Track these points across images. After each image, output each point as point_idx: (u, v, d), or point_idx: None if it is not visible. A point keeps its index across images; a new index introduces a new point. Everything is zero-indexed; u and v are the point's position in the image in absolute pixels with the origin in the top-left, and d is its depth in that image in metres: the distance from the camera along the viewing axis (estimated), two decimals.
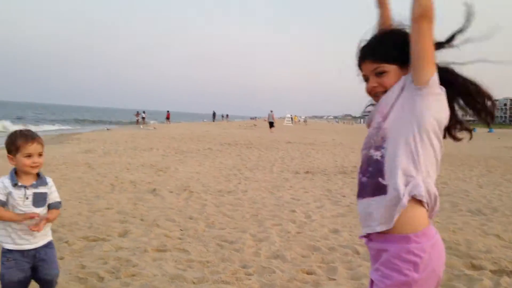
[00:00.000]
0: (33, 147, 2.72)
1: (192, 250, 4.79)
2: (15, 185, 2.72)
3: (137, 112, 50.78)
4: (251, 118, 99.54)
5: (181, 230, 5.63)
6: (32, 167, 2.73)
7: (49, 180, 2.90)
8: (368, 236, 1.91)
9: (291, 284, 3.93)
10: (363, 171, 1.91)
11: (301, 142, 23.82)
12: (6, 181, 2.73)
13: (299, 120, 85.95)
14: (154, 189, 8.32)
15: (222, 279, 3.94)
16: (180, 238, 5.27)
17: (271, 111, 40.76)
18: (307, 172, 11.83)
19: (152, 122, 57.09)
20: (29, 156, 2.70)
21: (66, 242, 4.87)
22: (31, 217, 2.70)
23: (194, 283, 3.86)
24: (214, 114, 75.27)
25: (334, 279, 4.11)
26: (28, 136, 2.74)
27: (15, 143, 2.71)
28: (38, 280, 2.90)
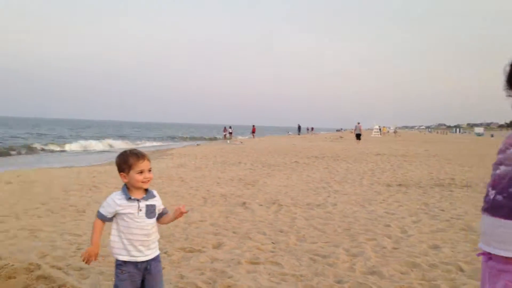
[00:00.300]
0: (144, 164, 2.92)
1: (285, 264, 4.79)
2: (128, 199, 2.92)
3: (224, 127, 52.47)
4: (337, 130, 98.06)
5: (272, 243, 5.66)
6: (143, 182, 2.92)
7: (155, 193, 3.08)
8: (489, 254, 1.77)
9: None
10: (501, 189, 1.76)
11: (392, 154, 22.97)
12: (117, 197, 2.93)
13: (388, 131, 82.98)
14: (244, 203, 8.49)
15: None
16: (272, 251, 5.30)
17: (358, 123, 39.96)
18: (400, 185, 11.35)
19: (239, 137, 58.61)
20: (141, 172, 2.90)
21: (165, 252, 5.12)
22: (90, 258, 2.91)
23: None
24: (299, 127, 75.33)
25: None
26: (139, 154, 2.94)
27: (127, 161, 2.91)
28: None
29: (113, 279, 4.23)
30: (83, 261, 2.87)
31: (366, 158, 19.91)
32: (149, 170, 2.94)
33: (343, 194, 9.83)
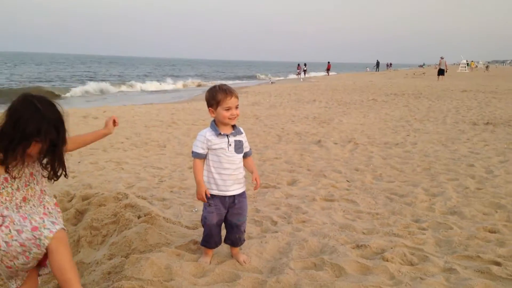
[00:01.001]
0: (231, 101, 2.92)
1: (360, 202, 4.73)
2: (218, 134, 2.98)
3: (298, 64, 51.27)
4: (419, 66, 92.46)
5: (348, 181, 5.59)
6: (230, 118, 2.95)
7: (242, 130, 3.11)
8: None
9: (471, 241, 3.60)
10: None
11: (479, 90, 21.35)
12: (207, 133, 3.00)
13: (476, 66, 76.87)
14: (319, 141, 8.40)
15: (393, 231, 3.81)
16: (347, 189, 5.24)
17: (442, 58, 37.27)
18: (487, 123, 10.59)
19: (312, 74, 57.34)
20: (228, 109, 2.92)
21: None
22: (202, 199, 2.97)
23: (364, 233, 3.82)
24: (377, 63, 71.97)
25: None
26: (227, 91, 2.94)
27: (215, 97, 2.93)
28: (228, 224, 3.19)
29: (193, 210, 4.45)
30: (199, 199, 3.01)
31: (450, 95, 18.70)
32: (236, 107, 2.94)
33: (424, 132, 9.39)
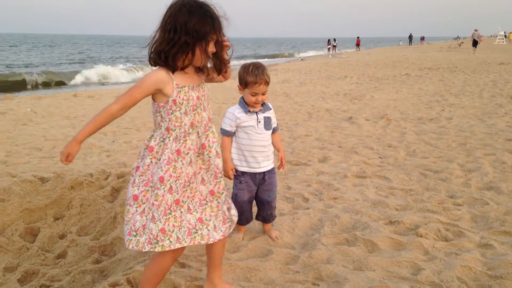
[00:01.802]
0: (259, 88, 2.90)
1: (393, 178, 4.67)
2: (247, 112, 2.99)
3: (328, 40, 50.26)
4: (454, 39, 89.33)
5: (380, 157, 5.52)
6: (255, 103, 2.95)
7: (271, 106, 3.10)
8: None
9: (508, 217, 3.52)
10: None
11: None
12: (236, 110, 3.01)
13: None
14: (350, 117, 8.29)
15: (427, 207, 3.75)
16: (379, 166, 5.18)
17: (476, 30, 36.13)
18: None
19: (343, 50, 56.22)
20: (254, 94, 2.92)
21: None
22: (229, 175, 2.97)
23: (397, 209, 3.78)
24: (410, 37, 69.85)
25: None
26: (258, 77, 2.88)
27: (245, 79, 2.91)
28: (259, 201, 3.22)
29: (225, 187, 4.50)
30: (225, 177, 3.02)
31: (487, 69, 18.02)
32: (264, 93, 2.93)
33: (459, 107, 9.11)
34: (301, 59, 38.00)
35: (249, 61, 3.10)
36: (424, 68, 19.23)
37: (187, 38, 2.03)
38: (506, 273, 2.63)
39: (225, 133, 3.01)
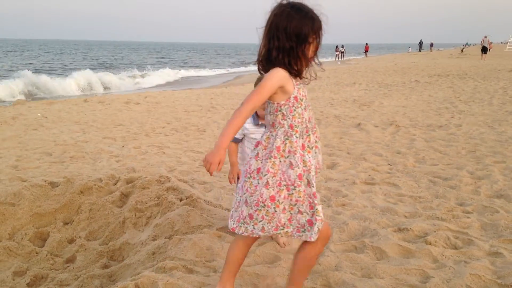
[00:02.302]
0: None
1: (402, 185, 4.65)
2: (256, 124, 3.05)
3: (337, 46, 50.20)
4: (463, 46, 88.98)
5: (389, 164, 5.50)
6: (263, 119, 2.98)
7: None
8: None
9: None
10: None
11: None
12: (246, 124, 3.03)
13: None
14: (359, 124, 8.28)
15: (436, 215, 3.72)
16: (388, 173, 5.16)
17: (485, 37, 35.92)
18: None
19: (352, 57, 56.10)
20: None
21: None
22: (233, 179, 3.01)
23: (406, 217, 3.76)
24: (421, 43, 69.55)
25: None
26: None
27: None
28: None
29: (234, 194, 4.51)
30: (231, 182, 3.08)
31: (497, 75, 17.89)
32: None
33: (469, 114, 9.06)
34: None
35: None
36: (433, 75, 19.15)
37: (291, 43, 2.08)
38: None
39: (233, 139, 3.03)
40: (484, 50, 34.74)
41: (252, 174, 2.20)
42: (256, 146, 2.25)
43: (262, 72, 2.19)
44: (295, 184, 2.15)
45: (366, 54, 54.55)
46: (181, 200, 3.94)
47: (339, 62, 40.74)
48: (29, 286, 3.09)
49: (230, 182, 3.05)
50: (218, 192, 4.57)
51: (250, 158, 2.25)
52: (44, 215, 4.00)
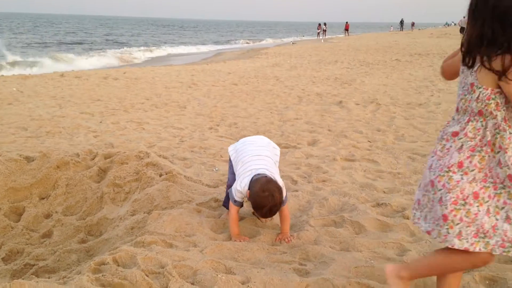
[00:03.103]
0: (265, 219, 3.10)
1: (382, 161, 4.69)
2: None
3: (319, 24, 49.67)
4: (445, 25, 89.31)
5: (369, 141, 5.53)
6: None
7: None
8: None
9: None
10: None
11: None
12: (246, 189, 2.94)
13: None
14: (340, 101, 8.29)
15: (414, 190, 3.75)
16: (368, 149, 5.19)
17: (464, 17, 36.25)
18: None
19: (334, 36, 55.68)
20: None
21: None
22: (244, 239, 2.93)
23: (384, 192, 3.80)
24: (402, 22, 69.44)
25: None
26: (267, 214, 2.89)
27: (256, 208, 2.87)
28: None
29: (214, 170, 4.49)
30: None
31: None
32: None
33: (448, 93, 9.15)
34: (292, 43, 37.80)
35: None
36: (414, 54, 19.26)
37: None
38: None
39: (236, 203, 2.98)
40: (462, 30, 35.30)
41: (452, 168, 1.87)
42: (455, 135, 1.94)
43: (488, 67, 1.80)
44: (505, 184, 1.82)
45: (346, 33, 53.92)
46: (160, 175, 3.90)
47: (322, 41, 40.51)
48: (4, 260, 3.04)
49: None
50: (198, 168, 4.53)
51: (448, 149, 1.93)
52: (19, 189, 3.91)
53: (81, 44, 35.24)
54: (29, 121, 6.62)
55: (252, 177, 2.87)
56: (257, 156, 3.05)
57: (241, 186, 2.90)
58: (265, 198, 2.74)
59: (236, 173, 3.04)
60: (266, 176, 2.85)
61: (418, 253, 2.69)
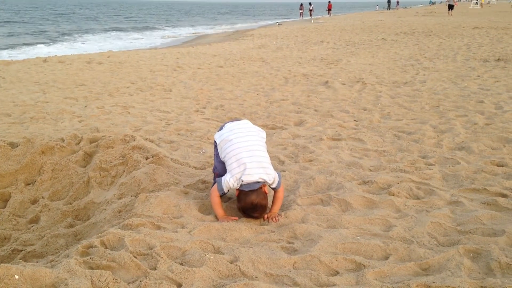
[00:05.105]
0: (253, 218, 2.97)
1: (368, 140, 4.72)
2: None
3: (301, 4, 48.57)
4: (430, 3, 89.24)
5: (355, 121, 5.56)
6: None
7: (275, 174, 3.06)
8: None
9: (478, 175, 3.61)
10: None
11: (491, 27, 20.67)
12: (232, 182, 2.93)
13: (489, 2, 74.07)
14: (327, 82, 8.29)
15: (400, 167, 3.82)
16: (354, 129, 5.22)
17: None
18: (498, 60, 10.34)
19: (319, 16, 54.95)
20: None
21: None
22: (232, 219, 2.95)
23: (370, 170, 3.83)
24: (389, 1, 68.99)
25: None
26: (253, 216, 2.94)
27: (243, 210, 2.95)
28: None
29: (200, 152, 4.49)
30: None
31: (461, 33, 18.15)
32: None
33: (433, 71, 9.20)
34: (278, 24, 37.46)
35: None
36: (400, 33, 19.25)
37: None
38: (475, 228, 2.72)
39: (221, 192, 2.97)
40: (451, 7, 36.21)
41: None
42: None
43: None
44: None
45: (329, 13, 52.50)
46: (147, 158, 3.88)
47: (312, 21, 40.03)
48: None
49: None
50: (185, 151, 4.52)
51: None
52: (4, 175, 3.87)
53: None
54: (12, 107, 6.51)
55: (243, 183, 2.90)
56: (247, 147, 3.01)
57: (233, 185, 2.93)
58: (251, 211, 2.92)
59: (228, 167, 3.00)
60: (256, 190, 2.88)
61: (404, 228, 2.74)
